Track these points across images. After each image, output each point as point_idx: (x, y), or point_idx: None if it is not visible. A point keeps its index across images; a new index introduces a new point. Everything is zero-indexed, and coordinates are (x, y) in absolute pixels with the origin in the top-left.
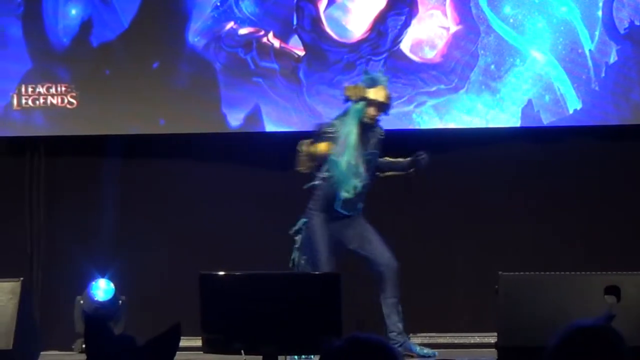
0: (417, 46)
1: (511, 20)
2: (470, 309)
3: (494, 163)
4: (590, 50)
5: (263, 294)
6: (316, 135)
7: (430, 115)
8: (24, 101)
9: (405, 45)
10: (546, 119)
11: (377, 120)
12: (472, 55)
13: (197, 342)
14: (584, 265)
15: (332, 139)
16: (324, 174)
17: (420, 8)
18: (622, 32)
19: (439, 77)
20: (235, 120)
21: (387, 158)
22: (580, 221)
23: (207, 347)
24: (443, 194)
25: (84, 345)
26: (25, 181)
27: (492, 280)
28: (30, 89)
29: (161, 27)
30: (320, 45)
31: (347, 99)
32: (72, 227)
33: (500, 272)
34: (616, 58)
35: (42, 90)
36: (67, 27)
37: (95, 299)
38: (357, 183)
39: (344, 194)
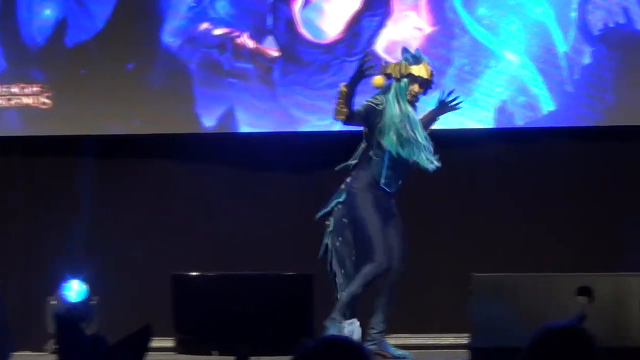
0: (391, 47)
1: (486, 22)
2: (443, 310)
3: (467, 164)
4: (564, 51)
5: (236, 294)
6: (357, 73)
7: None
8: None
9: (379, 46)
10: (520, 120)
11: (417, 97)
12: (446, 56)
13: (171, 342)
14: (555, 266)
15: (377, 111)
16: (370, 151)
17: (395, 9)
18: (596, 33)
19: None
20: (209, 120)
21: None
22: (553, 222)
23: (180, 348)
24: (416, 195)
25: (55, 346)
26: None
27: (465, 281)
28: (4, 89)
29: (136, 27)
30: (295, 46)
31: (389, 77)
32: (46, 227)
33: (473, 274)
34: (590, 60)
35: (16, 90)
36: (42, 28)
37: (68, 300)
38: (434, 157)
39: (429, 167)
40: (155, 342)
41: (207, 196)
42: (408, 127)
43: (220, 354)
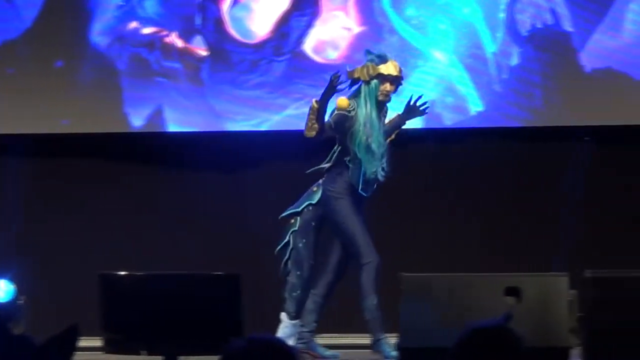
0: (320, 47)
1: (414, 22)
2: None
3: (395, 163)
4: (492, 52)
5: (164, 294)
6: (328, 89)
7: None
8: None
9: (308, 46)
10: (449, 121)
11: (390, 98)
12: None
13: (99, 342)
14: (484, 266)
15: (349, 117)
16: (345, 156)
17: (324, 9)
18: (524, 34)
19: (341, 78)
20: (138, 119)
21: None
22: (482, 222)
23: (108, 347)
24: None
25: None
26: None
27: (394, 281)
28: None
29: (64, 25)
30: (224, 46)
31: (356, 81)
32: None
33: (402, 273)
34: (518, 60)
35: None
36: None
37: None
38: (382, 165)
39: (372, 176)
40: (83, 342)
41: (135, 195)
42: (367, 133)
43: (149, 354)
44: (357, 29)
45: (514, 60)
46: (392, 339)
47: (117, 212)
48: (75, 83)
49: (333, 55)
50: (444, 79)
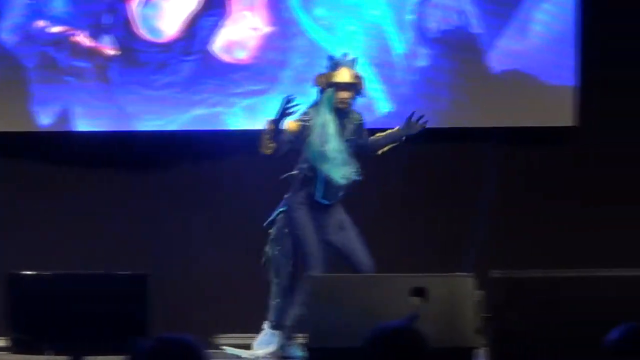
0: (228, 47)
1: (323, 23)
2: None
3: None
4: (401, 53)
5: (71, 294)
6: (280, 114)
7: (240, 116)
8: None
9: (216, 46)
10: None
11: (350, 104)
12: (283, 57)
13: (5, 342)
14: (391, 267)
15: (307, 127)
16: (304, 165)
17: (233, 9)
18: (432, 36)
19: (249, 78)
20: (46, 118)
21: (388, 131)
22: (390, 223)
23: (15, 348)
24: (251, 195)
25: None
26: None
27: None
28: None
29: None
30: (132, 45)
31: (319, 89)
32: None
33: (308, 274)
34: (426, 62)
35: None
36: None
37: None
38: (348, 170)
39: (340, 181)
40: None
41: (43, 194)
42: (322, 140)
43: (56, 354)
44: (265, 29)
45: (422, 62)
46: (301, 340)
47: (25, 212)
48: None
49: (241, 55)
50: None
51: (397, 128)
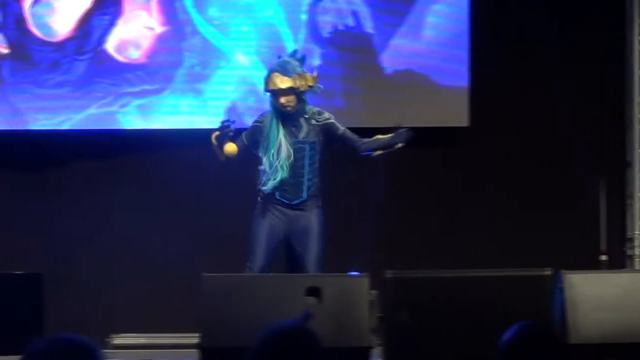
0: (122, 46)
1: (216, 22)
2: (173, 309)
3: (198, 163)
4: (294, 50)
5: None
6: (220, 130)
7: (134, 115)
8: None
9: (110, 45)
10: (250, 121)
11: (293, 107)
12: (176, 57)
13: None
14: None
15: (259, 128)
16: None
17: (126, 8)
18: (325, 35)
19: (143, 77)
20: None
21: (379, 136)
22: None
23: None
24: (146, 194)
25: None
26: None
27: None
28: None
29: None
30: (25, 44)
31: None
32: None
33: (203, 273)
34: (320, 61)
35: None
36: None
37: None
38: (282, 174)
39: (269, 186)
40: None
41: None
42: (269, 144)
43: None
44: (159, 28)
45: (316, 61)
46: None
47: None
48: None
49: (135, 55)
50: (246, 80)
51: (389, 135)
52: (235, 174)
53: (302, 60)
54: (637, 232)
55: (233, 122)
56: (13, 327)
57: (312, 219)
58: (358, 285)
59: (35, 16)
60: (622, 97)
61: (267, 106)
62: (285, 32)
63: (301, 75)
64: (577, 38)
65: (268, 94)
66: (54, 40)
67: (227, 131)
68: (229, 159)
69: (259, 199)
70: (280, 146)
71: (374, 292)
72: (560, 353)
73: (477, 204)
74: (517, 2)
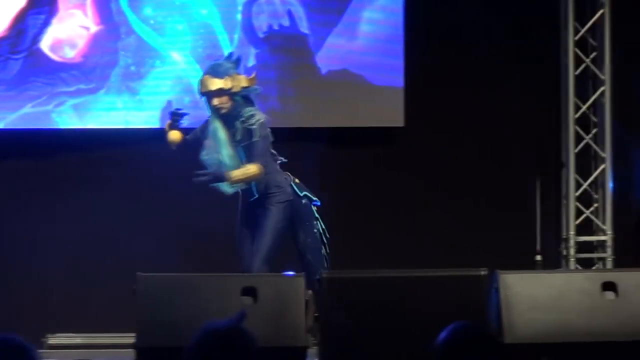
0: (57, 45)
1: (151, 22)
2: (109, 309)
3: (133, 163)
4: (229, 52)
5: None
6: (171, 118)
7: (69, 114)
8: None
9: (45, 44)
10: (185, 120)
11: (226, 109)
12: (112, 56)
13: None
14: (224, 266)
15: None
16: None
17: (61, 7)
18: (260, 35)
19: (78, 76)
20: None
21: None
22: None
23: None
24: (83, 194)
25: None
26: None
27: (132, 280)
28: None
29: None
30: None
31: None
32: None
33: (138, 273)
34: (255, 61)
35: None
36: None
37: None
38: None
39: (227, 190)
40: None
41: None
42: (214, 145)
43: None
44: (94, 27)
45: (251, 61)
46: (130, 339)
47: None
48: None
49: (70, 54)
50: (182, 79)
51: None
52: (173, 171)
53: (237, 62)
54: (572, 233)
55: (185, 114)
56: None
57: (265, 206)
58: (294, 285)
59: None
60: (557, 97)
61: (202, 104)
62: (220, 32)
63: (233, 77)
64: (512, 38)
65: (204, 98)
66: None
67: (176, 119)
68: (179, 148)
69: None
70: (221, 147)
71: (309, 292)
72: (496, 353)
73: (413, 204)
74: (452, 2)
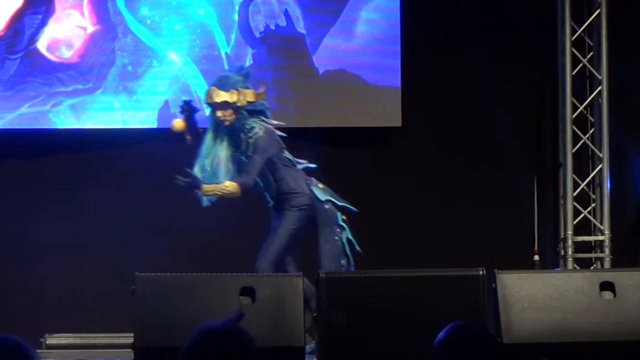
0: (54, 45)
1: (148, 22)
2: (107, 309)
3: (130, 163)
4: (226, 52)
5: None
6: (180, 108)
7: (67, 115)
8: None
9: (42, 45)
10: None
11: (230, 121)
12: (109, 56)
13: None
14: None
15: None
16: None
17: (58, 7)
18: (257, 35)
19: (75, 76)
20: None
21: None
22: (215, 223)
23: None
24: (80, 194)
25: None
26: None
27: (129, 280)
28: None
29: None
30: None
31: None
32: None
33: (136, 273)
34: (252, 61)
35: None
36: None
37: None
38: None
39: (203, 198)
40: None
41: None
42: (206, 153)
43: None
44: (91, 27)
45: (248, 61)
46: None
47: None
48: None
49: (67, 54)
50: (179, 79)
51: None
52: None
53: (246, 75)
54: (569, 233)
55: (197, 109)
56: None
57: (283, 211)
58: (292, 285)
59: None
60: (554, 97)
61: (198, 104)
62: (217, 32)
63: (240, 91)
64: (510, 38)
65: (209, 108)
66: None
67: (186, 109)
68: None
69: None
70: (219, 160)
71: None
72: (494, 352)
73: (411, 204)
74: (449, 2)
